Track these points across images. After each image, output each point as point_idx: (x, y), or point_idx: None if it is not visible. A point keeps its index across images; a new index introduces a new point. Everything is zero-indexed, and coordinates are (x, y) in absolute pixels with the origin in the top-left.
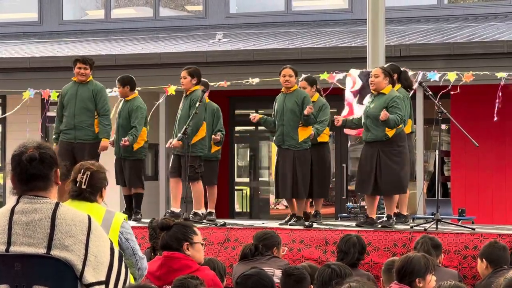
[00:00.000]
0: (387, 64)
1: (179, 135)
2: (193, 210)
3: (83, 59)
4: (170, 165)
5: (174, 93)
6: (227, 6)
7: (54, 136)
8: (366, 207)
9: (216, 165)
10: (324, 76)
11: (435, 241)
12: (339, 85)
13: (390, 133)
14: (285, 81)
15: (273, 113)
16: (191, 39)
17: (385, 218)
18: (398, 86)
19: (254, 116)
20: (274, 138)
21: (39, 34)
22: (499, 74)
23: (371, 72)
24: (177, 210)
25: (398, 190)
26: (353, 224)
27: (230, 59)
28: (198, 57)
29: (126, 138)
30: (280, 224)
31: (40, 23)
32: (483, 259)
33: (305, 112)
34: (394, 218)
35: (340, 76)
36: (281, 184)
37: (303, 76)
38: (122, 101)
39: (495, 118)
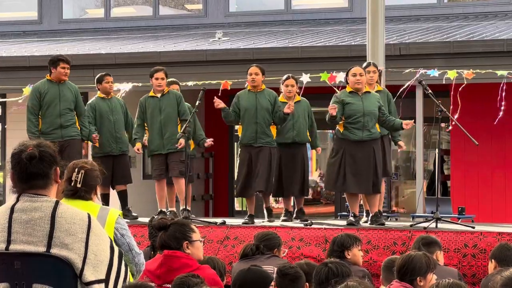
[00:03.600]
0: (371, 63)
1: (180, 133)
2: (187, 207)
3: (66, 59)
4: (153, 168)
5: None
6: (226, 4)
7: (32, 133)
8: (349, 204)
9: (193, 163)
10: (324, 77)
11: (428, 239)
12: (337, 90)
13: (382, 131)
14: (252, 79)
15: (232, 108)
16: (190, 37)
17: (372, 216)
18: (379, 87)
19: (220, 102)
20: (241, 136)
21: (39, 33)
22: (499, 73)
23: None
24: (171, 209)
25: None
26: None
27: (229, 57)
28: (198, 56)
29: (138, 146)
30: (282, 221)
31: (40, 22)
32: (492, 260)
33: (288, 111)
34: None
35: (341, 77)
36: (263, 179)
37: (288, 75)
38: (102, 98)
39: (500, 116)
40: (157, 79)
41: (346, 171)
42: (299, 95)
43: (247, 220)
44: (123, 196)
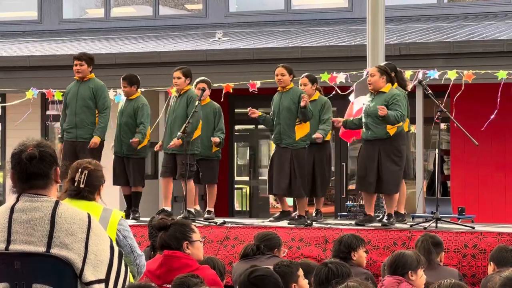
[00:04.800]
0: (384, 63)
1: (179, 133)
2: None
3: (78, 56)
4: (162, 165)
5: (176, 94)
6: (226, 4)
7: (59, 135)
8: (364, 204)
9: (217, 165)
10: (324, 77)
11: (436, 239)
12: (339, 91)
13: (392, 131)
14: (278, 80)
15: (271, 112)
16: (190, 37)
17: (385, 217)
18: (395, 85)
19: (254, 111)
20: (272, 136)
21: (39, 32)
22: (500, 74)
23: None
24: (168, 208)
25: (398, 189)
26: (352, 222)
27: (229, 58)
28: (198, 56)
29: (136, 139)
30: (270, 221)
31: (40, 21)
32: (491, 262)
33: (302, 104)
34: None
35: (341, 77)
36: (277, 181)
37: (304, 74)
38: (124, 100)
39: (492, 117)
40: (173, 78)
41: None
42: (320, 92)
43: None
44: (134, 197)
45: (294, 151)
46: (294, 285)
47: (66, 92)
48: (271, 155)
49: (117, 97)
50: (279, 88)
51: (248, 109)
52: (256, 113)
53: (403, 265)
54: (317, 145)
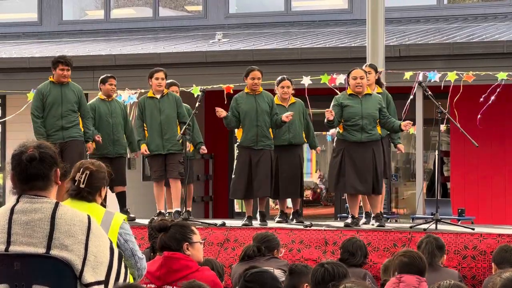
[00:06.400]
0: (367, 64)
1: (180, 135)
2: (187, 208)
3: (66, 61)
4: (153, 169)
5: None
6: (226, 6)
7: (40, 134)
8: (349, 206)
9: (191, 165)
10: (324, 79)
11: (440, 242)
12: (338, 92)
13: (381, 132)
14: (254, 83)
15: (231, 112)
16: (190, 39)
17: (374, 218)
18: (379, 89)
19: (222, 111)
20: (242, 139)
21: (39, 34)
22: (499, 75)
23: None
24: (179, 209)
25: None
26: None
27: (229, 59)
28: (198, 57)
29: (136, 152)
30: (278, 222)
31: (40, 23)
32: (493, 263)
33: (286, 119)
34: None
35: (341, 79)
36: (265, 184)
37: (282, 77)
38: (99, 100)
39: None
40: (157, 79)
41: (346, 172)
42: (293, 96)
43: (246, 222)
44: (121, 197)
45: (272, 152)
46: (306, 285)
47: (44, 93)
48: (236, 158)
49: (131, 97)
50: (247, 90)
51: (216, 109)
52: (224, 113)
53: (424, 269)
54: (289, 146)
